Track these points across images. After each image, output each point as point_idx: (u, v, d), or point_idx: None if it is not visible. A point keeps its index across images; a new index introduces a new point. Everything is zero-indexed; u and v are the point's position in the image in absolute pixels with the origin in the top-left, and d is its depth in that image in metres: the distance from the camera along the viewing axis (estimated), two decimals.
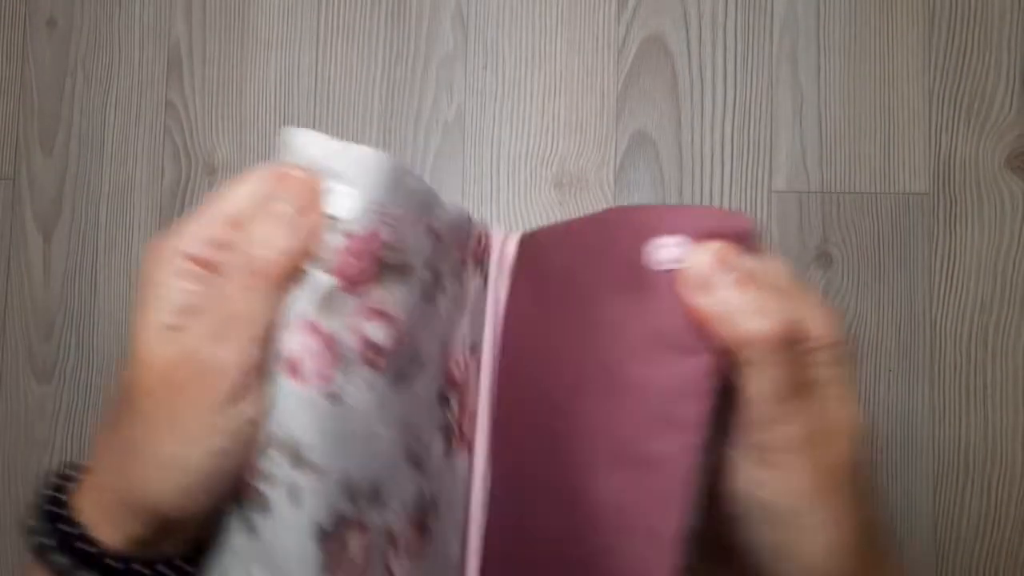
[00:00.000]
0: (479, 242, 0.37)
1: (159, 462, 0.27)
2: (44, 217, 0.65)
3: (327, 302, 0.29)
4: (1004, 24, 0.62)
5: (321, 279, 0.29)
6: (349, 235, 0.29)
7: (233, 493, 0.29)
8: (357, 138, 0.64)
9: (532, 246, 0.36)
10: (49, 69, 0.66)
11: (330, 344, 0.29)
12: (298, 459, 0.29)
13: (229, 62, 0.65)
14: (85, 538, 0.29)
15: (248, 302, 0.27)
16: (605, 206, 0.63)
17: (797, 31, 0.63)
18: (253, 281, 0.28)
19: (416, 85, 0.64)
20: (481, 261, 0.37)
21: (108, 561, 0.28)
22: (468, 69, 0.64)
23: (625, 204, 0.62)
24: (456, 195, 0.63)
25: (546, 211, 0.63)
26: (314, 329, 0.29)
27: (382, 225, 0.30)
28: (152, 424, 0.27)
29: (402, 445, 0.32)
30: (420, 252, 0.32)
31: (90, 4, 0.66)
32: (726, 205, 0.62)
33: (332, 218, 0.29)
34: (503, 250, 0.37)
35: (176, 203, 0.64)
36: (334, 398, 0.29)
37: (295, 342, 0.28)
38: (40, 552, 0.30)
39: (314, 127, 0.64)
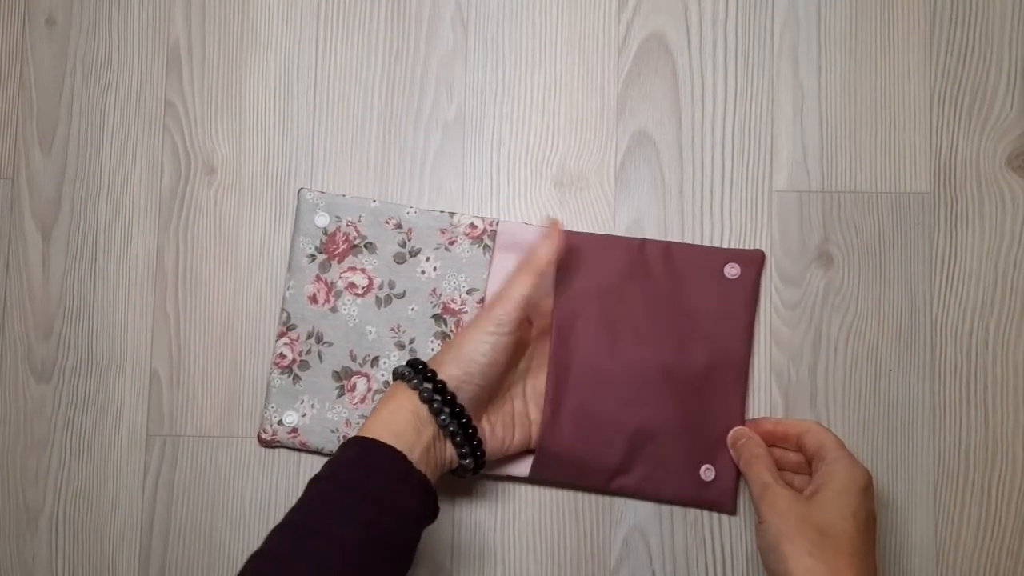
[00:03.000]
0: (473, 227, 0.62)
1: (463, 346, 0.55)
2: (43, 217, 0.65)
3: (323, 266, 0.62)
4: (1005, 24, 0.62)
5: (319, 256, 0.62)
6: (326, 232, 0.63)
7: (288, 366, 0.62)
8: (357, 138, 0.64)
9: (583, 245, 0.61)
10: (48, 68, 0.66)
11: (328, 286, 0.62)
12: (320, 339, 0.62)
13: (229, 62, 0.65)
14: (429, 371, 0.54)
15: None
16: (606, 205, 0.62)
17: (798, 30, 0.63)
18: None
19: (416, 85, 0.64)
20: (480, 239, 0.62)
21: (439, 382, 0.54)
22: (468, 68, 0.64)
23: (626, 204, 0.62)
24: (456, 194, 0.63)
25: (546, 210, 0.63)
26: (318, 279, 0.62)
27: (346, 227, 0.62)
28: (463, 335, 0.56)
29: (390, 338, 0.62)
30: (390, 237, 0.62)
31: (89, 3, 0.66)
32: (727, 204, 0.62)
33: (317, 227, 0.62)
34: (524, 233, 0.61)
35: (175, 202, 0.64)
36: (334, 310, 0.62)
37: (311, 286, 0.62)
38: (405, 377, 0.54)
39: (314, 127, 0.64)
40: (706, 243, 0.62)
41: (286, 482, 0.62)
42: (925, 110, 0.62)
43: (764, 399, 0.61)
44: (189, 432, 0.63)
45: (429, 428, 0.53)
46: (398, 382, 0.55)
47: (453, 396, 0.54)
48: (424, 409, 0.53)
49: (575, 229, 0.62)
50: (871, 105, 0.62)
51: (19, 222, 0.65)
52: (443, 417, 0.53)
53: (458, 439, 0.54)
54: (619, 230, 0.62)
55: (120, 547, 0.62)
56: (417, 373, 0.54)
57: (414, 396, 0.53)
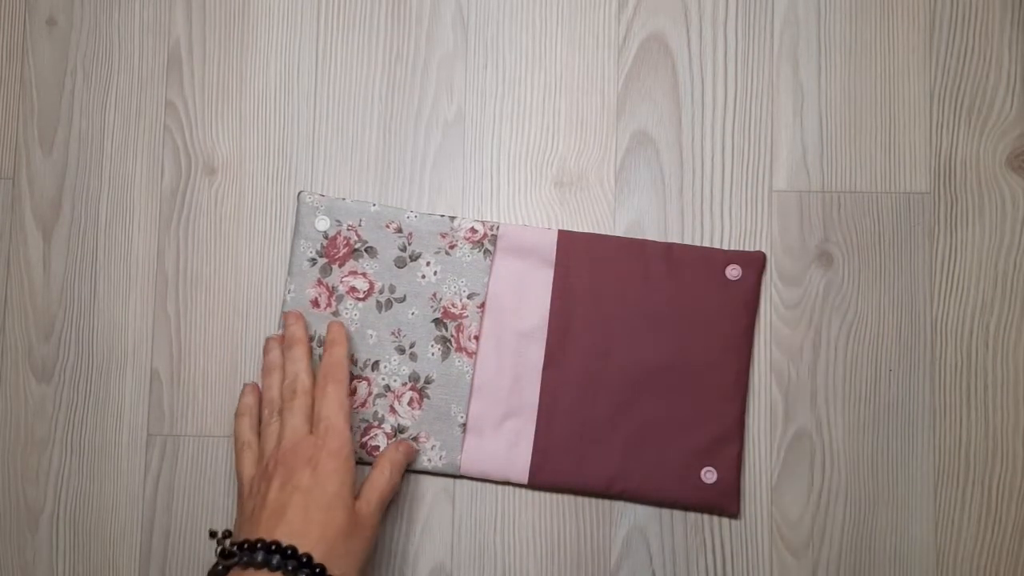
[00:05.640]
0: (474, 231, 0.62)
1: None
2: (44, 217, 0.65)
3: (324, 270, 0.62)
4: (1005, 24, 0.62)
5: (320, 260, 0.62)
6: (327, 236, 0.62)
7: None
8: (357, 138, 0.64)
9: (584, 246, 0.61)
10: (49, 68, 0.66)
11: (329, 290, 0.62)
12: (321, 343, 0.61)
13: (229, 62, 0.65)
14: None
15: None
16: (606, 205, 0.63)
17: (798, 30, 0.63)
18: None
19: (416, 85, 0.64)
20: (480, 243, 0.61)
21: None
22: (468, 69, 0.64)
23: (626, 204, 0.62)
24: (456, 194, 0.63)
25: (546, 210, 0.63)
26: (320, 283, 0.62)
27: (347, 231, 0.62)
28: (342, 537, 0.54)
29: (390, 342, 0.61)
30: (390, 241, 0.62)
31: (90, 3, 0.66)
32: (727, 204, 0.62)
33: (318, 231, 0.62)
34: (525, 236, 0.61)
35: (176, 202, 0.64)
36: (336, 314, 0.62)
37: (313, 290, 0.62)
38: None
39: (314, 127, 0.64)
40: (706, 243, 0.62)
41: None
42: (925, 110, 0.62)
43: (764, 399, 0.61)
44: (189, 432, 0.63)
45: None
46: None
47: None
48: None
49: (575, 229, 0.62)
50: (871, 105, 0.62)
51: (20, 222, 0.65)
52: None
53: None
54: (619, 230, 0.62)
55: (120, 546, 0.63)
56: (298, 563, 0.50)
57: None
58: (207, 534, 0.62)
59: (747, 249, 0.62)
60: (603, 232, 0.62)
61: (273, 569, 0.49)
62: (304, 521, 0.51)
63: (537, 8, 0.64)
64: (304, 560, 0.49)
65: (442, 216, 0.62)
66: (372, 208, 0.62)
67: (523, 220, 0.63)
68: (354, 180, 0.64)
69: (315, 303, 0.62)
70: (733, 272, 0.61)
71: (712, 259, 0.61)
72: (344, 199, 0.63)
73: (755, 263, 0.61)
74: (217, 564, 0.52)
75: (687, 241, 0.62)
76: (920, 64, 0.62)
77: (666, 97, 0.63)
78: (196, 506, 0.62)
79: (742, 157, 0.62)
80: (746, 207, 0.62)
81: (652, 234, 0.62)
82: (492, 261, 0.61)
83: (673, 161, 0.63)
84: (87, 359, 0.64)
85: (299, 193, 0.63)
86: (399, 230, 0.62)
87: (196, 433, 0.63)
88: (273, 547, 0.50)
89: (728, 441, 0.59)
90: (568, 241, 0.61)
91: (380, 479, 0.57)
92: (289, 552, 0.50)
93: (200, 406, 0.63)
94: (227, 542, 0.52)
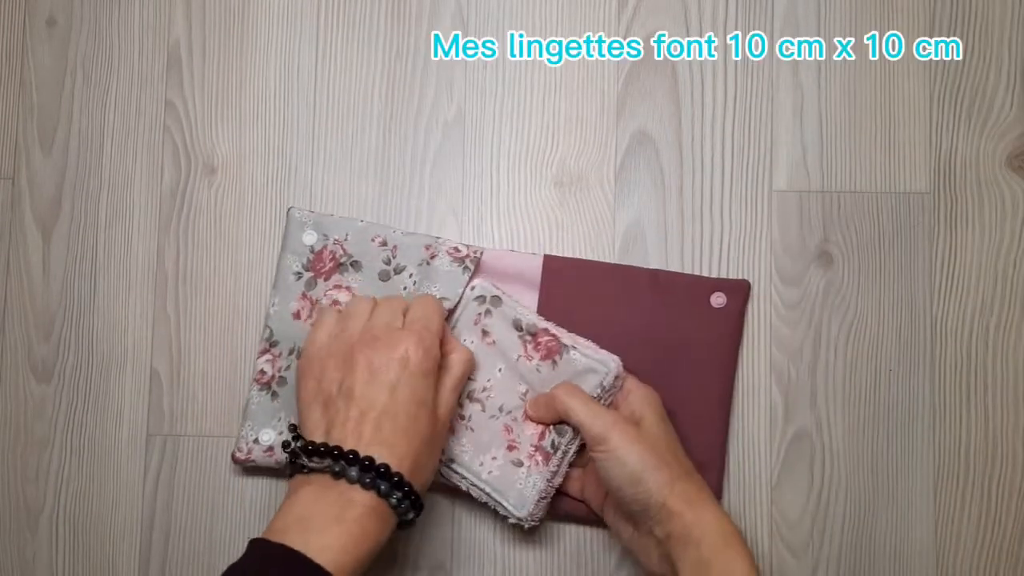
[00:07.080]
0: (457, 250, 0.60)
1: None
2: (44, 217, 0.65)
3: (309, 284, 0.61)
4: (1005, 24, 0.62)
5: (305, 274, 0.61)
6: (313, 251, 0.61)
7: (267, 382, 0.60)
8: (357, 138, 0.64)
9: (570, 270, 0.61)
10: (48, 68, 0.66)
11: (312, 302, 0.61)
12: (300, 355, 0.56)
13: (229, 62, 0.65)
14: (405, 484, 0.49)
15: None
16: (605, 205, 0.62)
17: (797, 30, 0.63)
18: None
19: (416, 85, 0.64)
20: (462, 260, 0.60)
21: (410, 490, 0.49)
22: (468, 68, 0.64)
23: (626, 204, 0.62)
24: (456, 194, 0.63)
25: (546, 210, 0.63)
26: (304, 296, 0.61)
27: (333, 245, 0.61)
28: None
29: None
30: (375, 255, 0.61)
31: (90, 3, 0.66)
32: (727, 204, 0.62)
33: (305, 245, 0.61)
34: (508, 261, 0.61)
35: (176, 202, 0.64)
36: None
37: (296, 303, 0.61)
38: (369, 485, 0.48)
39: (314, 127, 0.64)
40: (706, 243, 0.62)
41: (286, 482, 0.62)
42: (925, 110, 0.62)
43: (764, 399, 0.61)
44: (189, 432, 0.63)
45: (377, 524, 0.48)
46: (342, 483, 0.48)
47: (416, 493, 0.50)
48: (382, 508, 0.48)
49: (575, 229, 0.62)
50: (871, 105, 0.62)
51: (19, 222, 0.65)
52: (404, 508, 0.49)
53: (411, 515, 0.50)
54: (619, 230, 0.62)
55: (120, 546, 0.63)
56: (391, 484, 0.48)
57: (371, 499, 0.48)
58: (218, 528, 0.62)
59: (732, 277, 0.61)
60: (602, 232, 0.62)
61: (366, 488, 0.47)
62: (393, 430, 0.49)
63: (537, 9, 0.64)
64: (396, 480, 0.48)
65: (428, 236, 0.61)
66: (360, 224, 0.62)
67: (523, 220, 0.63)
68: (354, 180, 0.64)
69: (296, 315, 0.61)
70: (718, 300, 0.60)
71: (697, 286, 0.60)
72: (332, 215, 0.62)
73: (740, 291, 0.60)
74: (300, 463, 0.50)
75: (686, 241, 0.62)
76: (920, 64, 0.62)
77: (666, 97, 0.63)
78: (196, 506, 0.62)
79: (742, 157, 0.62)
80: (746, 207, 0.62)
81: (652, 234, 0.62)
82: (471, 278, 0.60)
83: (673, 161, 0.63)
84: (87, 359, 0.64)
85: (288, 209, 0.62)
86: (384, 243, 0.61)
87: (196, 433, 0.63)
88: (367, 462, 0.48)
89: (708, 469, 0.58)
90: (554, 265, 0.60)
91: (452, 371, 0.53)
92: (382, 470, 0.48)
93: (200, 406, 0.63)
94: (310, 441, 0.50)
